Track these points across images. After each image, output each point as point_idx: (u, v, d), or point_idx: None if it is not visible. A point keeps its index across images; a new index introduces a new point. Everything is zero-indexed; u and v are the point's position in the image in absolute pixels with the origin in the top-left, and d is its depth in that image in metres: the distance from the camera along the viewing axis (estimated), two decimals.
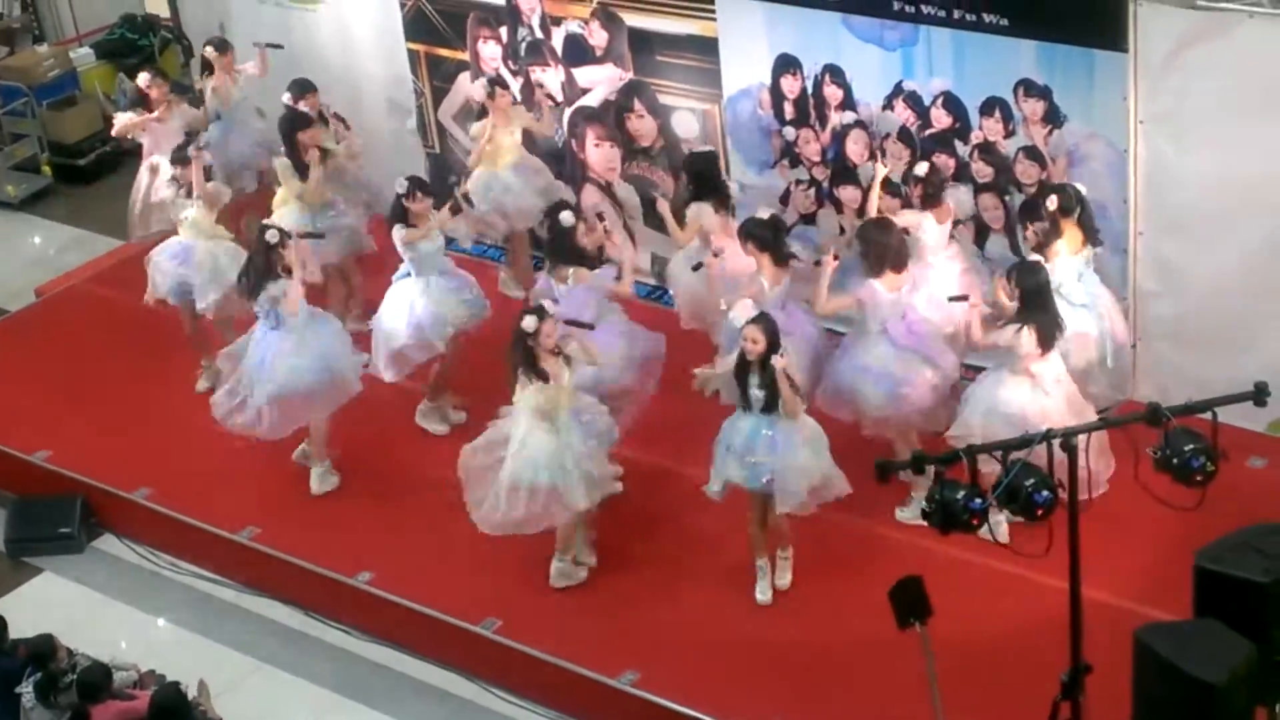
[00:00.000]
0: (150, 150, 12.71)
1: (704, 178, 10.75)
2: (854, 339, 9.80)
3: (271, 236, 10.33)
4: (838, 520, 9.93)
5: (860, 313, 9.71)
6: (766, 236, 9.82)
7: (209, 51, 12.87)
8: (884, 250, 9.49)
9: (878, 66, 10.89)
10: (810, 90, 11.28)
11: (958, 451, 6.96)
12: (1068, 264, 9.69)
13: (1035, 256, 9.63)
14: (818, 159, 11.48)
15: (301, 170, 11.77)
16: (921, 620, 7.51)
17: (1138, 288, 10.40)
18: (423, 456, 11.03)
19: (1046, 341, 9.16)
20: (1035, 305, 9.15)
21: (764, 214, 10.01)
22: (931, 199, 10.07)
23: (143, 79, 12.76)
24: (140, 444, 11.55)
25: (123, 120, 12.77)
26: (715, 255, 9.89)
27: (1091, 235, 9.82)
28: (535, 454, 9.34)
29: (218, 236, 11.55)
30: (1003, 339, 9.19)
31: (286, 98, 12.22)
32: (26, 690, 9.11)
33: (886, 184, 10.25)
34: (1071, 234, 9.70)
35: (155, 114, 12.59)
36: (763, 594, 9.57)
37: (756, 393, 9.11)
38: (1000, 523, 9.21)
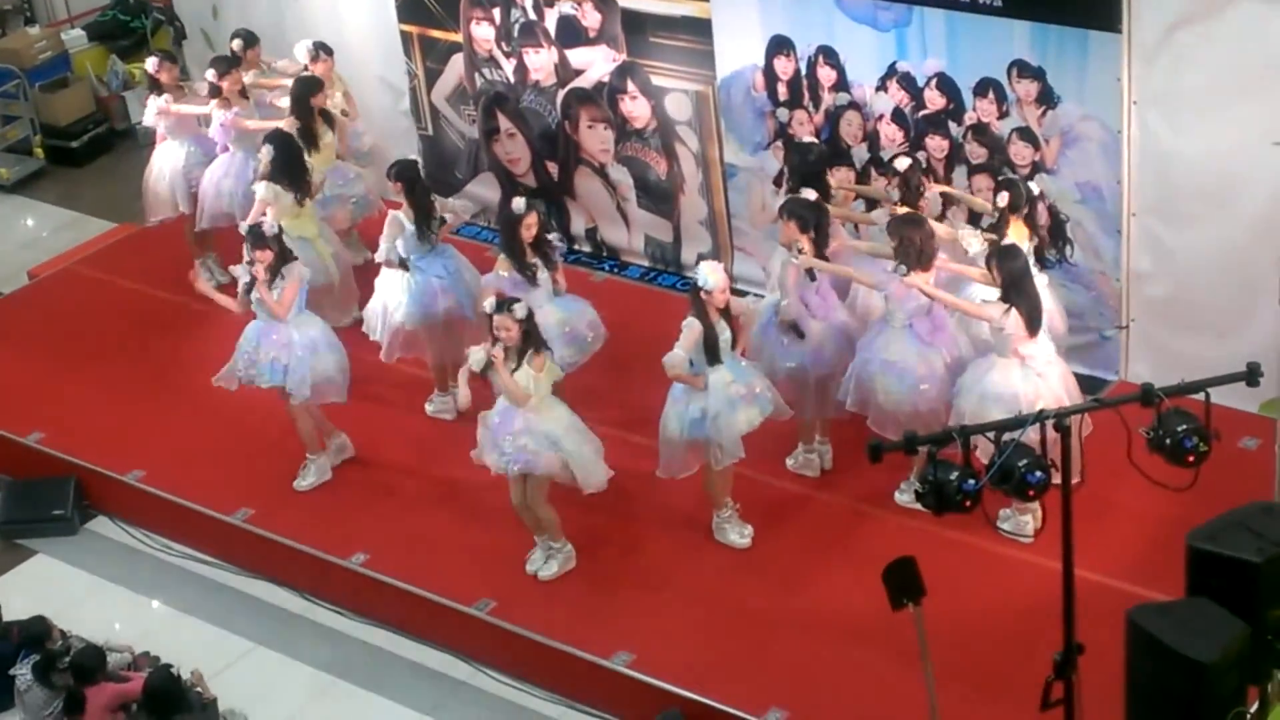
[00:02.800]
0: (165, 135, 12.69)
1: (804, 169, 10.38)
2: (878, 333, 9.74)
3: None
4: (831, 501, 9.96)
5: (887, 306, 9.64)
6: (808, 218, 9.71)
7: (235, 45, 12.71)
8: (915, 245, 9.37)
9: (871, 47, 10.89)
10: (804, 71, 11.28)
11: (950, 432, 6.96)
12: None
13: (981, 239, 9.64)
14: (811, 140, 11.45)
15: (308, 135, 11.77)
16: (915, 601, 7.52)
17: (1131, 268, 10.41)
18: (418, 438, 11.03)
19: (1033, 324, 9.16)
20: (1017, 288, 9.13)
21: (810, 195, 9.92)
22: (910, 196, 9.99)
23: (151, 64, 12.66)
24: (134, 426, 11.54)
25: (155, 108, 12.57)
26: (800, 253, 9.69)
27: (1037, 231, 9.81)
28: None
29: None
30: (990, 312, 9.18)
31: (302, 56, 12.21)
32: (22, 672, 9.12)
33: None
34: (1017, 229, 9.67)
35: (203, 107, 12.44)
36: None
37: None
38: (1027, 522, 9.27)
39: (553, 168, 12.92)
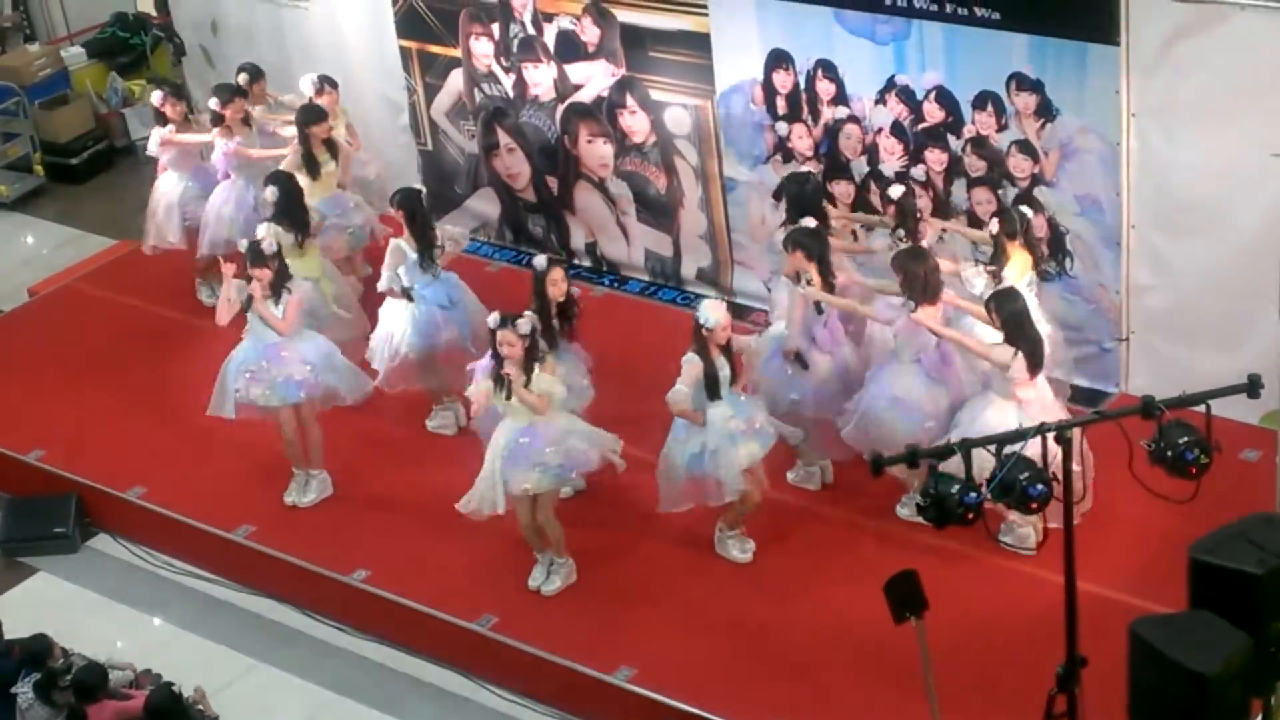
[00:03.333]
0: (165, 166, 12.69)
1: (802, 200, 10.36)
2: (884, 367, 9.70)
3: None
4: (832, 515, 9.95)
5: (895, 342, 9.60)
6: (813, 247, 9.66)
7: (241, 79, 12.69)
8: (920, 280, 9.31)
9: (870, 61, 10.90)
10: (803, 85, 11.29)
11: (952, 446, 6.96)
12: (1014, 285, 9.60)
13: (984, 276, 9.63)
14: (810, 154, 11.48)
15: (311, 164, 11.81)
16: (917, 614, 7.52)
17: (1130, 281, 10.41)
18: (418, 454, 11.03)
19: (1035, 366, 9.08)
20: (1018, 331, 9.05)
21: (810, 223, 9.87)
22: (908, 223, 9.94)
23: (156, 97, 12.63)
24: (135, 443, 11.54)
25: (158, 137, 12.58)
26: (808, 284, 9.61)
27: (1039, 256, 9.80)
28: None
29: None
30: (997, 356, 9.09)
31: (307, 89, 12.24)
32: (24, 690, 9.11)
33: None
34: (1019, 256, 9.66)
35: (205, 136, 12.48)
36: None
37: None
38: (1028, 535, 9.25)
39: (552, 182, 12.93)
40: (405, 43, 13.20)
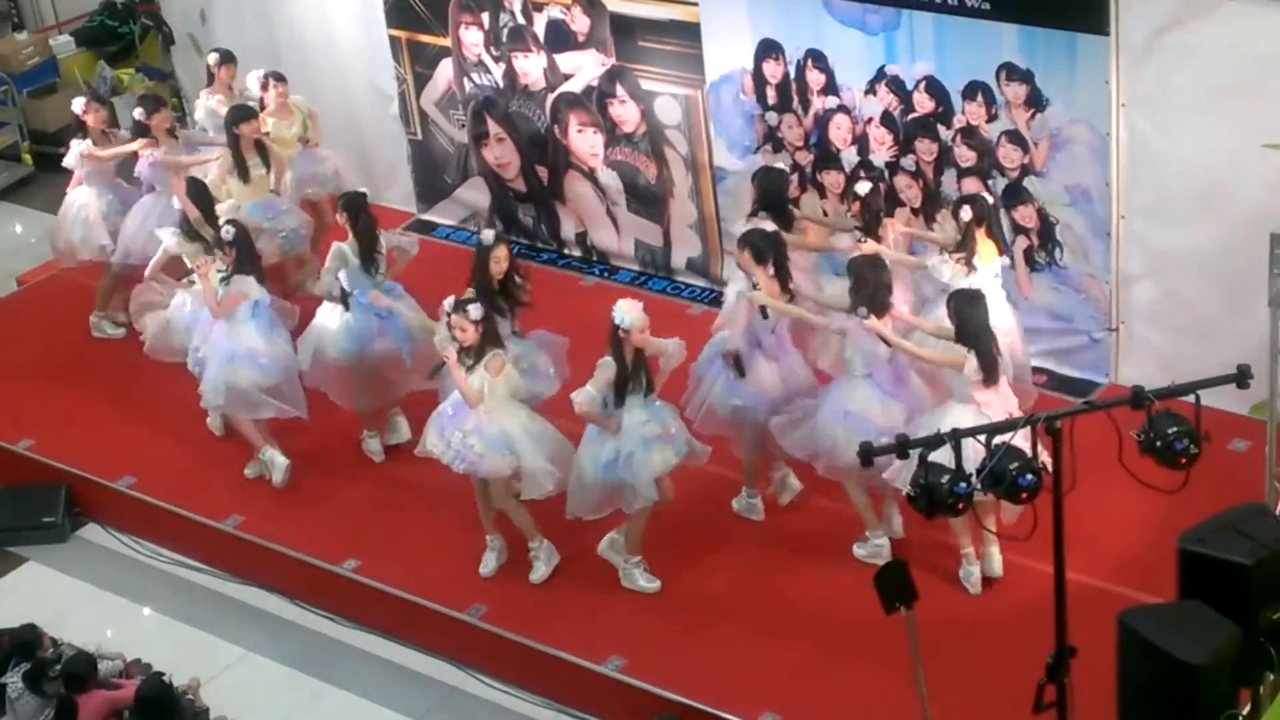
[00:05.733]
0: (81, 179, 12.40)
1: (772, 196, 10.27)
2: (836, 384, 9.46)
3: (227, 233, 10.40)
4: (823, 506, 9.95)
5: (845, 353, 9.32)
6: (764, 249, 9.48)
7: (211, 59, 12.61)
8: (869, 288, 9.09)
9: (860, 51, 10.90)
10: (792, 75, 11.29)
11: (943, 435, 6.97)
12: (981, 274, 9.57)
13: (951, 264, 9.58)
14: (800, 144, 11.48)
15: (240, 167, 11.69)
16: (907, 604, 7.52)
17: (1120, 271, 10.42)
18: (408, 444, 11.01)
19: (989, 373, 8.85)
20: (972, 337, 8.88)
21: (768, 226, 9.75)
22: (870, 222, 9.88)
23: (78, 104, 12.33)
24: (124, 433, 11.53)
25: (78, 150, 12.30)
26: (754, 288, 9.44)
27: (1003, 246, 9.76)
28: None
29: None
30: (950, 359, 8.95)
31: (253, 85, 12.18)
32: (13, 680, 9.11)
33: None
34: (985, 245, 9.63)
35: (128, 148, 12.23)
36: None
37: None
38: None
39: (542, 172, 12.93)
40: (395, 32, 13.18)
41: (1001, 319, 9.47)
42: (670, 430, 9.31)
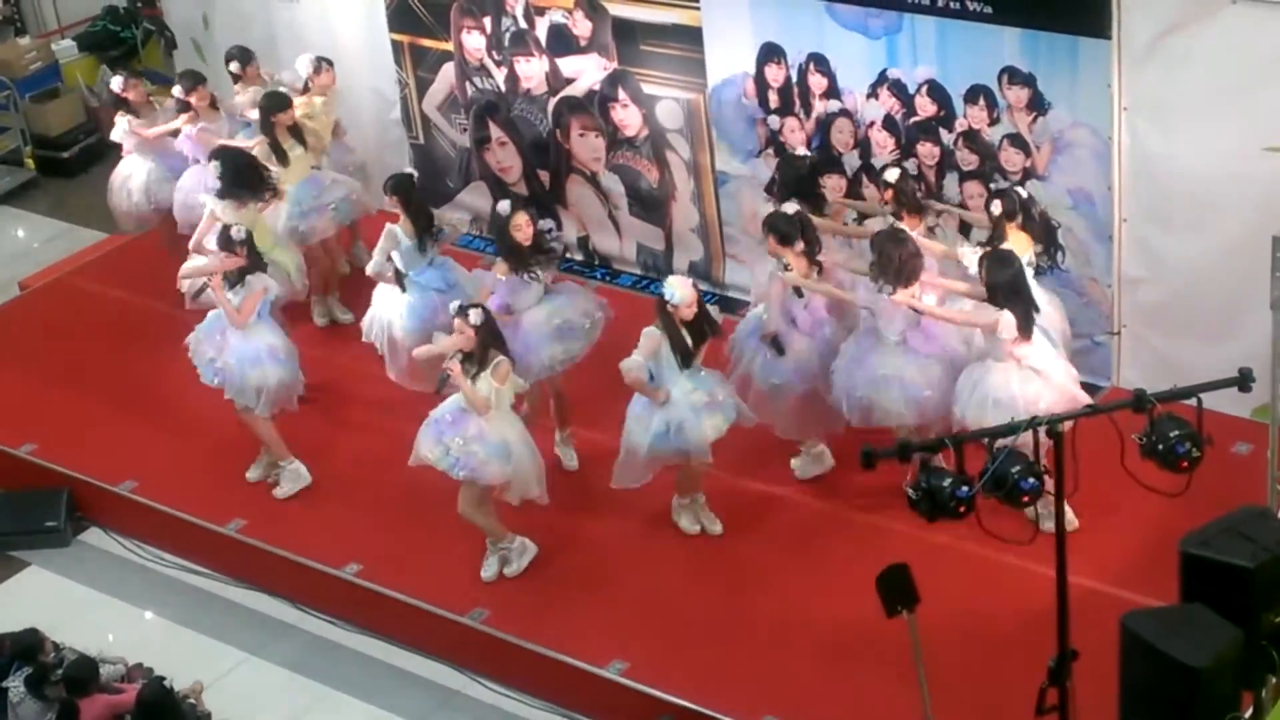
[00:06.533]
0: (130, 150, 12.63)
1: (796, 183, 10.27)
2: (868, 349, 9.57)
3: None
4: (823, 509, 9.95)
5: (873, 320, 9.53)
6: (789, 232, 9.59)
7: (233, 67, 12.63)
8: (893, 263, 9.28)
9: (862, 55, 10.90)
10: (795, 79, 11.29)
11: (943, 439, 6.97)
12: None
13: (977, 253, 9.59)
14: (803, 148, 11.47)
15: (278, 152, 11.76)
16: (909, 608, 7.52)
17: (1122, 274, 10.42)
18: (410, 447, 11.00)
19: (1025, 328, 9.09)
20: (1009, 293, 9.05)
21: (790, 209, 9.81)
22: (907, 205, 9.91)
23: (117, 82, 12.57)
24: (126, 437, 11.53)
25: (123, 127, 12.54)
26: (785, 269, 9.61)
27: (1039, 238, 9.74)
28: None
29: None
30: (983, 319, 9.15)
31: (304, 69, 12.22)
32: (14, 685, 9.10)
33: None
34: (1017, 238, 9.63)
35: (172, 125, 12.39)
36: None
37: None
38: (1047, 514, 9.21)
39: (544, 176, 12.93)
40: (397, 36, 13.19)
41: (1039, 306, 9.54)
42: (718, 398, 9.47)
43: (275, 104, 11.85)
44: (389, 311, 10.83)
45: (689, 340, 9.39)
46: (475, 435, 9.42)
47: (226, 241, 10.31)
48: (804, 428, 10.08)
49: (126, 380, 12.05)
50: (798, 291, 9.70)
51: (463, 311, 9.37)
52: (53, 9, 17.35)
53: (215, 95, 12.46)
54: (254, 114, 12.12)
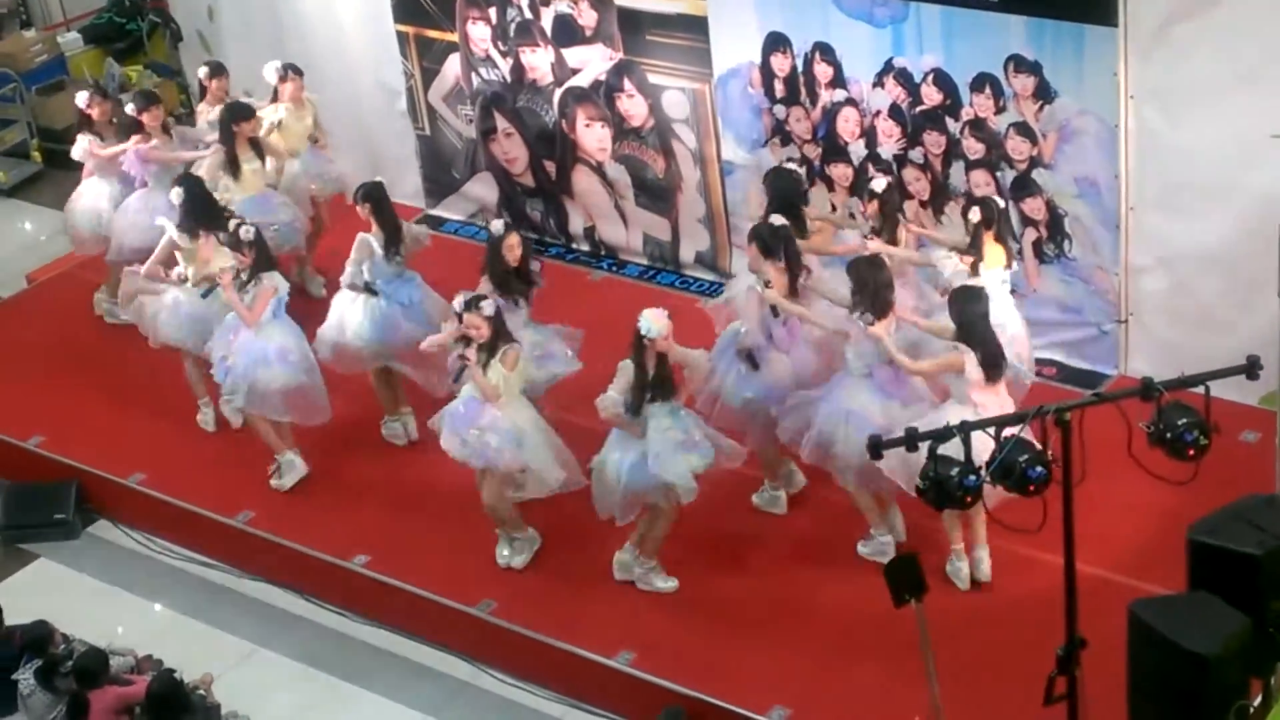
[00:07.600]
0: (92, 171, 12.45)
1: (784, 198, 10.17)
2: (838, 381, 9.40)
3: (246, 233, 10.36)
4: (833, 498, 9.95)
5: (847, 352, 9.30)
6: (773, 245, 9.48)
7: (202, 73, 12.60)
8: (870, 290, 9.08)
9: (868, 44, 10.89)
10: (800, 68, 11.28)
11: (951, 428, 6.97)
12: (986, 278, 9.50)
13: (957, 262, 9.56)
14: (809, 137, 11.47)
15: (232, 164, 11.69)
16: (917, 597, 7.53)
17: (1129, 262, 10.41)
18: (419, 439, 11.02)
19: (990, 370, 8.82)
20: (973, 333, 8.86)
21: (777, 221, 9.72)
22: (889, 219, 9.85)
23: (82, 98, 12.40)
24: (134, 429, 11.54)
25: (83, 146, 12.36)
26: (766, 285, 9.48)
27: (1010, 252, 9.71)
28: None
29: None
30: (950, 363, 8.92)
31: (271, 77, 12.19)
32: (25, 677, 9.13)
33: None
34: (992, 249, 9.60)
35: (125, 145, 12.16)
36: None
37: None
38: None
39: (550, 167, 12.92)
40: (402, 27, 13.18)
41: (1009, 324, 9.48)
42: (694, 438, 9.25)
43: (238, 114, 11.78)
44: (348, 318, 10.66)
45: (662, 376, 9.13)
46: (489, 424, 9.45)
47: (236, 242, 10.30)
48: (769, 441, 9.84)
49: (135, 372, 12.05)
50: (774, 310, 9.54)
51: (473, 305, 9.36)
52: (58, 2, 17.33)
53: (169, 120, 12.37)
54: (211, 136, 12.02)
